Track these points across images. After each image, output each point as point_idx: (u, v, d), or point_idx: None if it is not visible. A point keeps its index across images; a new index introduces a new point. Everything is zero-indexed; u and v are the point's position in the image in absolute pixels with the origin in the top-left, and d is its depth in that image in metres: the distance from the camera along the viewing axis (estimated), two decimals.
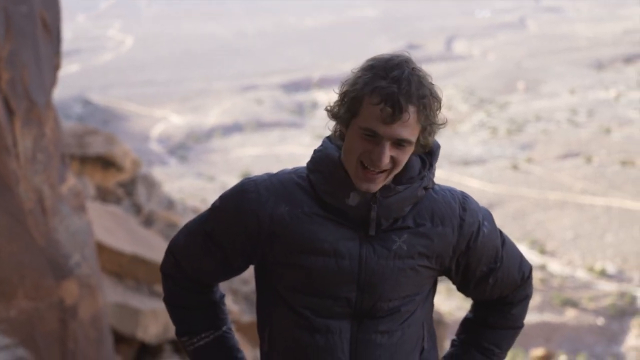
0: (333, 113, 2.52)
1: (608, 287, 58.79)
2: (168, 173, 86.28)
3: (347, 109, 2.45)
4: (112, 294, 11.26)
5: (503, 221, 71.86)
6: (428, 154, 2.59)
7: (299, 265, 2.50)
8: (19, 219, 6.44)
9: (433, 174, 2.61)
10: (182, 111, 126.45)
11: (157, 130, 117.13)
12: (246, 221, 2.53)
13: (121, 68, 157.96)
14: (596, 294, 57.35)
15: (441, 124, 2.52)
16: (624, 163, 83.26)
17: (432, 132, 2.51)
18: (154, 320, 11.47)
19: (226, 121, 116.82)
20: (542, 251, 66.16)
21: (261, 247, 2.55)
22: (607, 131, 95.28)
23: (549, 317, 52.22)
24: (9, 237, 6.42)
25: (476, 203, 2.67)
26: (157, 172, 75.09)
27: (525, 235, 69.10)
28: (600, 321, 52.23)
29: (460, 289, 2.74)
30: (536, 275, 60.32)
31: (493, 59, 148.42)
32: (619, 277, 60.73)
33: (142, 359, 11.64)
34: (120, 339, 11.17)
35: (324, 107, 2.58)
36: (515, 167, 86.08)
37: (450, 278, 2.67)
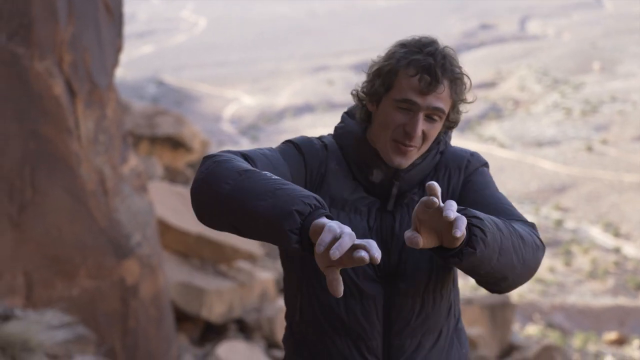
0: (364, 91, 2.57)
1: None
2: None
3: (381, 83, 2.48)
4: (178, 273, 11.38)
5: (576, 204, 70.99)
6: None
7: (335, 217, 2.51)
8: (81, 200, 6.54)
9: (450, 137, 2.69)
10: (253, 92, 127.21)
11: (229, 111, 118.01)
12: (311, 161, 2.58)
13: (194, 49, 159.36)
14: None
15: (470, 101, 2.55)
16: None
17: (460, 111, 2.56)
18: (219, 300, 11.57)
19: (297, 102, 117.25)
20: (617, 234, 65.18)
21: (311, 188, 2.58)
22: None
23: (623, 300, 51.49)
24: (71, 217, 6.52)
25: (482, 157, 2.74)
26: None
27: (599, 218, 68.13)
28: None
29: None
30: (610, 258, 59.56)
31: (568, 39, 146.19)
32: None
33: (207, 337, 11.75)
34: (185, 318, 11.30)
35: (350, 92, 2.64)
36: (589, 149, 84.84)
37: None
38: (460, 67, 2.49)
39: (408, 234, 2.10)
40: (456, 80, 2.47)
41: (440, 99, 2.44)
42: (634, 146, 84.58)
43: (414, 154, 2.50)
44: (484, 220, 2.18)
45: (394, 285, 2.55)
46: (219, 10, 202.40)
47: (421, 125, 2.44)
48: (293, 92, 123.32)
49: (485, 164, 2.71)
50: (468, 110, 2.59)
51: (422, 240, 2.11)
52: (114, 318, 6.86)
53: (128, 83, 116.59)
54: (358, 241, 1.88)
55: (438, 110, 2.44)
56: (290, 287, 2.70)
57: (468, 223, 2.14)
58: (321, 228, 1.93)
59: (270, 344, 12.18)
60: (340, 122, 2.69)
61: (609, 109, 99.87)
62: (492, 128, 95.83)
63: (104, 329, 6.73)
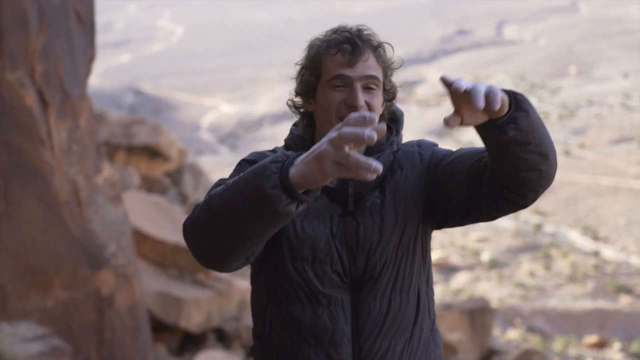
0: (298, 94, 2.60)
1: None
2: (219, 162, 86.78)
3: (310, 74, 2.52)
4: (155, 283, 11.33)
5: (555, 208, 71.30)
6: (393, 122, 2.66)
7: (296, 230, 2.53)
8: (54, 210, 6.50)
9: (401, 139, 2.69)
10: (232, 100, 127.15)
11: (207, 119, 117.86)
12: None
13: (172, 57, 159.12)
14: None
15: (399, 66, 2.58)
16: None
17: (393, 80, 2.58)
18: (197, 309, 11.53)
19: (276, 109, 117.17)
20: (595, 237, 65.50)
21: None
22: None
23: (602, 303, 51.71)
24: (44, 227, 6.48)
25: (429, 140, 2.74)
26: (208, 161, 75.60)
27: (578, 222, 68.46)
28: None
29: (446, 199, 2.62)
30: (589, 262, 59.85)
31: (544, 44, 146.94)
32: None
33: (186, 347, 11.70)
34: (164, 328, 11.25)
35: (286, 102, 2.67)
36: (567, 153, 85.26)
37: (436, 208, 2.64)
38: (378, 37, 2.53)
39: (446, 117, 2.13)
40: (377, 48, 2.51)
41: (370, 67, 2.46)
42: (611, 150, 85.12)
43: None
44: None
45: (360, 290, 2.55)
46: (197, 18, 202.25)
47: (361, 94, 2.45)
48: (272, 99, 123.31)
49: (435, 145, 2.71)
50: (401, 85, 2.62)
51: (464, 119, 2.15)
52: (90, 329, 6.81)
53: (105, 92, 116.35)
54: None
55: (372, 77, 2.46)
56: (259, 299, 2.69)
57: (509, 92, 2.19)
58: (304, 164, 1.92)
59: (249, 353, 12.13)
60: (290, 134, 2.69)
61: (586, 113, 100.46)
62: (470, 133, 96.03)
63: (80, 340, 6.68)
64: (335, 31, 2.53)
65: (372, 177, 1.81)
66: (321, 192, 2.56)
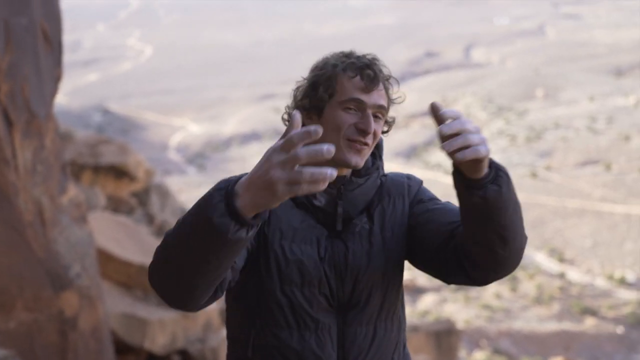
0: (302, 106, 2.59)
1: (627, 295, 58.49)
2: (187, 182, 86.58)
3: (324, 90, 2.52)
4: (120, 304, 11.25)
5: None
6: (376, 147, 2.68)
7: (285, 253, 2.53)
8: (18, 231, 6.44)
9: (383, 164, 2.72)
10: (200, 120, 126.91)
11: (175, 139, 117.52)
12: None
13: (140, 77, 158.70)
14: (615, 302, 57.06)
15: (401, 102, 2.62)
16: None
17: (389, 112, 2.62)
18: (162, 331, 11.45)
19: (244, 130, 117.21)
20: (561, 259, 65.93)
21: (260, 228, 2.54)
22: (627, 138, 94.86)
23: (568, 325, 52.01)
24: (8, 248, 6.42)
25: (417, 177, 2.79)
26: (176, 181, 75.37)
27: (544, 244, 68.86)
28: (619, 330, 51.92)
29: (424, 248, 2.68)
30: (555, 284, 60.19)
31: (512, 67, 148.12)
32: (638, 285, 60.41)
33: None
34: (128, 350, 11.15)
35: (281, 117, 2.69)
36: (534, 175, 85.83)
37: (415, 251, 2.66)
38: (388, 69, 2.56)
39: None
40: (389, 80, 2.55)
41: (382, 97, 2.50)
42: (577, 172, 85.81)
43: (367, 153, 2.51)
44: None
45: (347, 314, 2.56)
46: (165, 38, 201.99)
47: (373, 122, 2.48)
48: (240, 120, 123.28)
49: (422, 183, 2.75)
50: (394, 119, 2.67)
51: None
52: (52, 351, 6.74)
53: (73, 111, 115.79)
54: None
55: (382, 107, 2.50)
56: (239, 322, 2.66)
57: (495, 163, 2.18)
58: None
59: None
60: None
61: (553, 136, 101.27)
62: (438, 155, 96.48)
63: None
64: (349, 55, 2.55)
65: (324, 186, 1.78)
66: (307, 213, 2.58)
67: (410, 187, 2.69)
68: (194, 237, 2.03)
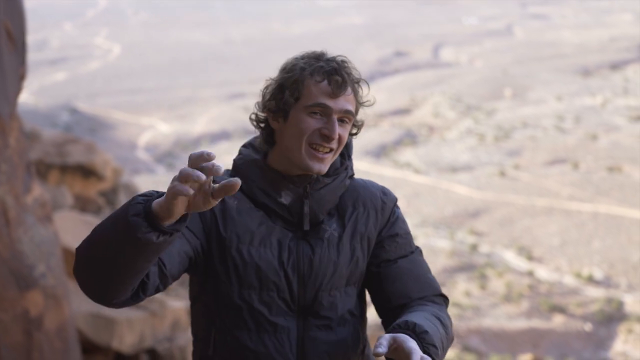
0: (267, 109, 2.63)
1: (595, 293, 58.86)
2: (155, 181, 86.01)
3: (290, 94, 2.52)
4: (87, 303, 11.17)
5: (490, 228, 71.99)
6: (345, 147, 2.70)
7: (243, 257, 2.54)
8: None
9: (352, 164, 2.74)
10: (169, 119, 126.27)
11: (144, 139, 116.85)
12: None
13: (108, 76, 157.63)
14: (584, 300, 57.41)
15: (370, 105, 2.65)
16: (610, 169, 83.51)
17: (358, 114, 2.65)
18: (130, 330, 11.41)
19: (214, 129, 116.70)
20: (530, 257, 66.22)
21: (215, 233, 2.57)
22: (594, 137, 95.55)
23: (536, 323, 52.28)
24: None
25: (392, 192, 2.81)
26: (145, 181, 74.93)
27: (513, 242, 69.16)
28: (587, 327, 52.28)
29: (378, 290, 2.72)
30: (524, 282, 60.49)
31: (480, 66, 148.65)
32: (606, 283, 60.83)
33: None
34: (96, 349, 11.10)
35: (249, 117, 2.74)
36: (502, 174, 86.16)
37: (371, 281, 2.70)
38: (358, 72, 2.59)
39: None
40: (358, 84, 2.57)
41: (349, 102, 2.52)
42: (545, 171, 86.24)
43: (330, 159, 2.54)
44: (434, 338, 2.30)
45: (307, 319, 2.58)
46: (134, 37, 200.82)
47: (337, 128, 2.49)
48: (209, 119, 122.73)
49: (396, 201, 2.77)
50: (363, 122, 2.69)
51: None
52: (17, 351, 6.70)
53: (40, 111, 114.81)
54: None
55: (349, 112, 2.52)
56: (202, 320, 2.68)
57: (426, 346, 2.26)
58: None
59: None
60: (239, 154, 2.72)
61: (521, 135, 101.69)
62: (407, 154, 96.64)
63: None
64: (319, 57, 2.55)
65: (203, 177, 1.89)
66: (267, 214, 2.58)
67: (384, 205, 2.71)
68: (111, 230, 2.10)
